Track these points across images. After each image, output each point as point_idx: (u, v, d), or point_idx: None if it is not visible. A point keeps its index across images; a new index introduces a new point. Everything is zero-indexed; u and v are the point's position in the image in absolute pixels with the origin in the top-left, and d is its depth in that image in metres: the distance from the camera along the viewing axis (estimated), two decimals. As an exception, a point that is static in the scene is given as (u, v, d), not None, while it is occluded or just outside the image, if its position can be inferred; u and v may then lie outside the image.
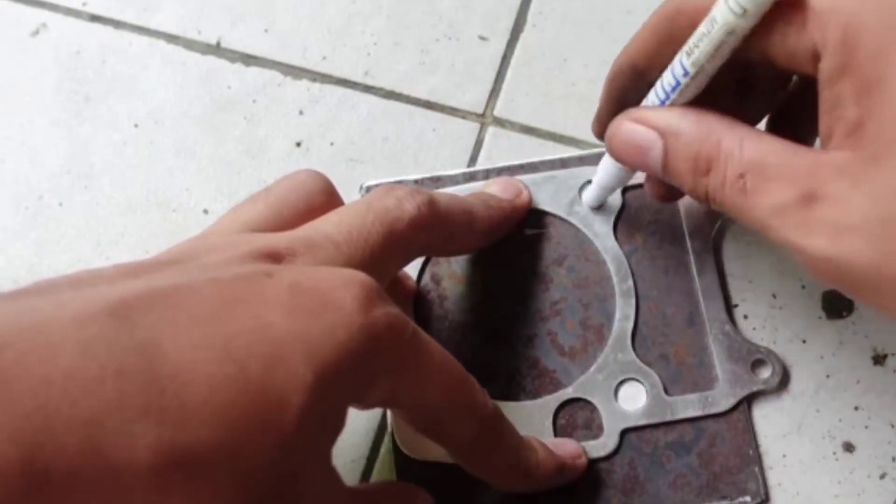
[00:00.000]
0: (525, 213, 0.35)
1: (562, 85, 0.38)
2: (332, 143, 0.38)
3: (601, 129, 0.31)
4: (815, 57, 0.25)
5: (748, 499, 0.33)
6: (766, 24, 0.25)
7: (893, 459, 0.34)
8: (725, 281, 0.35)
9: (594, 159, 0.36)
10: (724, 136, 0.26)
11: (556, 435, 0.33)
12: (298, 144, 0.38)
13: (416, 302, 0.35)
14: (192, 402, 0.21)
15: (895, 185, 0.23)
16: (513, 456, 0.29)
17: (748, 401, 0.34)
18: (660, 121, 0.28)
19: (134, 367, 0.21)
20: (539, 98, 0.38)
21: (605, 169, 0.33)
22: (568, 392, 0.34)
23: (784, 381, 0.34)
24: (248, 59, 0.39)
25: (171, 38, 0.39)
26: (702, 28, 0.26)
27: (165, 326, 0.22)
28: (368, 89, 0.39)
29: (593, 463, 0.33)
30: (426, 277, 0.35)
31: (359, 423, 0.34)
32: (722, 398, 0.34)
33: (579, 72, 0.39)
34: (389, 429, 0.33)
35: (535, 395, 0.34)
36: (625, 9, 0.39)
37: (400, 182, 0.36)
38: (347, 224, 0.28)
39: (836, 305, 0.35)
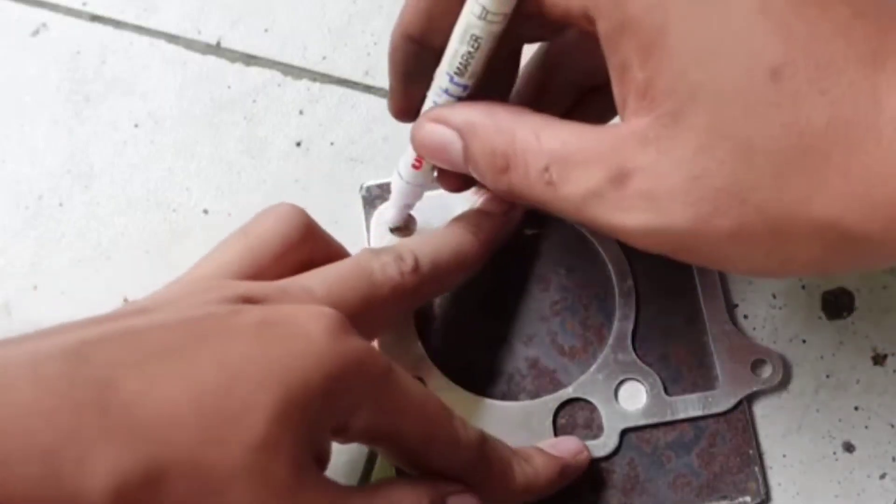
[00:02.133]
0: (521, 222, 0.35)
1: (562, 85, 0.38)
2: (332, 143, 0.38)
3: (396, 107, 0.30)
4: (591, 20, 0.24)
5: (748, 499, 0.33)
6: None
7: (893, 459, 0.34)
8: (725, 281, 0.35)
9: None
10: (517, 129, 0.25)
11: (556, 435, 0.33)
12: (298, 144, 0.38)
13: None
14: (149, 423, 0.21)
15: (697, 141, 0.22)
16: (507, 474, 0.29)
17: (748, 400, 0.34)
18: (456, 118, 0.27)
19: (89, 398, 0.21)
20: (539, 98, 0.38)
21: (398, 189, 0.32)
22: (568, 392, 0.34)
23: (784, 380, 0.34)
24: (248, 59, 0.39)
25: (172, 38, 0.39)
26: (462, 47, 0.25)
27: (122, 361, 0.22)
28: (368, 89, 0.39)
29: (593, 463, 0.33)
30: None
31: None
32: (722, 398, 0.34)
33: (579, 72, 0.39)
34: (389, 429, 0.33)
35: (535, 395, 0.34)
36: (625, 9, 0.39)
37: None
38: (329, 280, 0.28)
39: (836, 305, 0.35)
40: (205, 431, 0.22)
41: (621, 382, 0.34)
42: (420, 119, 0.28)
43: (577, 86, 0.31)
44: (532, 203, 0.26)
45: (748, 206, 0.22)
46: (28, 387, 0.21)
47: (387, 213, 0.34)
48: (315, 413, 0.24)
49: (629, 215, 0.23)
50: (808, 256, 0.22)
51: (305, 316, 0.25)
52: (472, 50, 0.25)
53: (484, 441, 0.29)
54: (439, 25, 0.26)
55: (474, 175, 0.27)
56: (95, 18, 0.40)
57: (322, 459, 0.26)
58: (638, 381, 0.34)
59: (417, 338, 0.34)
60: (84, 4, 0.40)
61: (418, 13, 0.27)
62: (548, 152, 0.25)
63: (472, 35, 0.25)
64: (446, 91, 0.27)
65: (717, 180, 0.22)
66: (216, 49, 0.39)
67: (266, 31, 0.39)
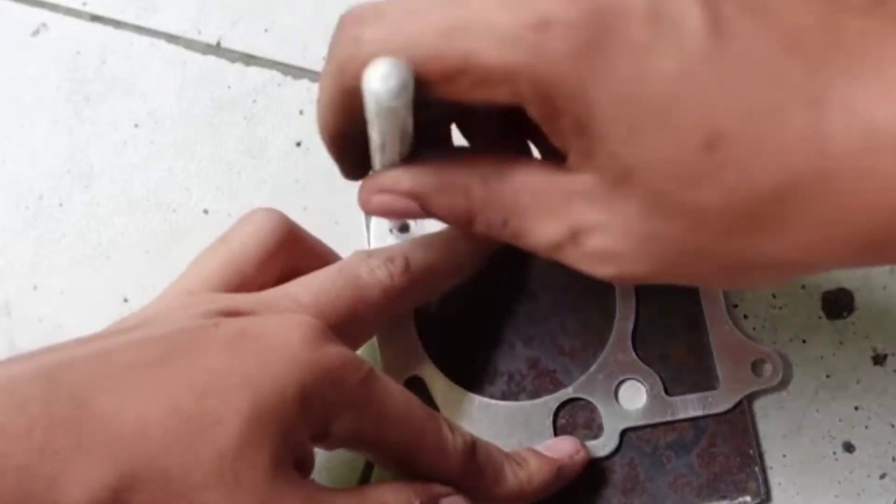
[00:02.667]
0: None
1: (562, 85, 0.38)
2: (332, 143, 0.38)
3: (348, 177, 0.28)
4: (516, 104, 0.23)
5: (748, 498, 0.33)
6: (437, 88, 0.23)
7: (893, 459, 0.34)
8: (725, 281, 0.35)
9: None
10: (470, 185, 0.25)
11: (556, 435, 0.33)
12: (298, 144, 0.38)
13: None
14: (120, 437, 0.22)
15: (643, 206, 0.22)
16: (499, 479, 0.29)
17: (748, 400, 0.34)
18: (404, 185, 0.26)
19: (62, 417, 0.22)
20: (539, 98, 0.38)
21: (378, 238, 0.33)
22: (568, 392, 0.34)
23: (784, 380, 0.34)
24: (248, 59, 0.39)
25: (172, 38, 0.39)
26: (377, 138, 0.25)
27: (94, 380, 0.23)
28: (368, 89, 0.39)
29: (593, 463, 0.33)
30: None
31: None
32: (722, 398, 0.34)
33: (579, 72, 0.38)
34: (389, 429, 0.33)
35: (535, 395, 0.34)
36: (625, 9, 0.39)
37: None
38: (316, 288, 0.28)
39: (836, 305, 0.35)
40: (176, 441, 0.23)
41: (621, 382, 0.34)
42: (365, 190, 0.27)
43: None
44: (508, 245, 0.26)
45: (705, 258, 0.23)
46: (2, 409, 0.22)
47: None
48: (290, 420, 0.24)
49: (594, 267, 0.24)
50: (771, 281, 0.23)
51: (282, 326, 0.25)
52: (383, 138, 0.24)
53: (474, 446, 0.29)
54: (355, 118, 0.25)
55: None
56: (95, 18, 0.40)
57: (305, 465, 0.26)
58: (638, 381, 0.34)
59: (417, 338, 0.34)
60: (84, 4, 0.40)
61: (339, 116, 0.25)
62: (503, 206, 0.25)
63: (379, 130, 0.24)
64: (383, 157, 0.26)
65: (670, 241, 0.23)
66: (216, 49, 0.39)
67: (266, 31, 0.39)
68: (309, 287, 0.28)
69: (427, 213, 0.26)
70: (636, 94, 0.21)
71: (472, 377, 0.34)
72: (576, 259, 0.24)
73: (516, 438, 0.33)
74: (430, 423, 0.28)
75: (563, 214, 0.24)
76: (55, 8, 0.40)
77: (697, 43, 0.21)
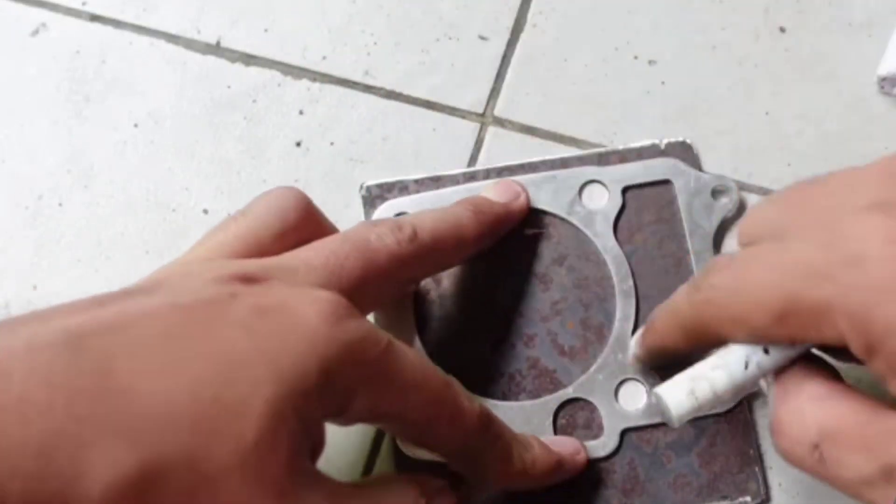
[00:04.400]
0: (521, 216, 0.35)
1: (562, 85, 0.38)
2: (332, 143, 0.38)
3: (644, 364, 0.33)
4: (840, 343, 0.24)
5: (748, 499, 0.33)
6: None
7: (894, 459, 0.34)
8: (725, 281, 0.35)
9: (594, 159, 0.36)
10: (791, 399, 0.26)
11: (556, 434, 0.33)
12: (298, 144, 0.38)
13: (416, 302, 0.35)
14: (145, 418, 0.21)
15: None
16: (507, 455, 0.29)
17: (748, 401, 0.34)
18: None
19: (85, 389, 0.21)
20: (539, 98, 0.38)
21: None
22: (568, 392, 0.34)
23: (784, 381, 0.34)
24: (248, 59, 0.39)
25: (171, 38, 0.39)
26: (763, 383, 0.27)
27: (118, 351, 0.22)
28: (368, 89, 0.39)
29: (593, 463, 0.33)
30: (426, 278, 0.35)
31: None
32: (722, 398, 0.34)
33: (579, 72, 0.39)
34: (389, 429, 0.33)
35: (535, 395, 0.34)
36: (625, 9, 0.39)
37: (400, 182, 0.36)
38: (326, 251, 0.28)
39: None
40: (200, 426, 0.22)
41: (621, 382, 0.34)
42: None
43: None
44: (812, 474, 0.26)
45: None
46: (23, 377, 0.21)
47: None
48: (312, 404, 0.24)
49: None
50: None
51: (304, 300, 0.25)
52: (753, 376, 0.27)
53: (488, 415, 0.29)
54: (698, 349, 0.29)
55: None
56: (95, 18, 0.40)
57: (317, 448, 0.25)
58: (638, 381, 0.34)
59: (417, 337, 0.34)
60: (84, 4, 0.40)
61: (679, 343, 0.30)
62: (819, 427, 0.25)
63: (755, 372, 0.27)
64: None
65: None
66: (216, 49, 0.39)
67: (266, 31, 0.39)
68: (319, 251, 0.28)
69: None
70: None
71: (472, 377, 0.34)
72: (883, 496, 0.24)
73: (516, 438, 0.33)
74: (447, 392, 0.28)
75: (878, 451, 0.24)
76: (55, 8, 0.40)
77: None
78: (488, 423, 0.29)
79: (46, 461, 0.20)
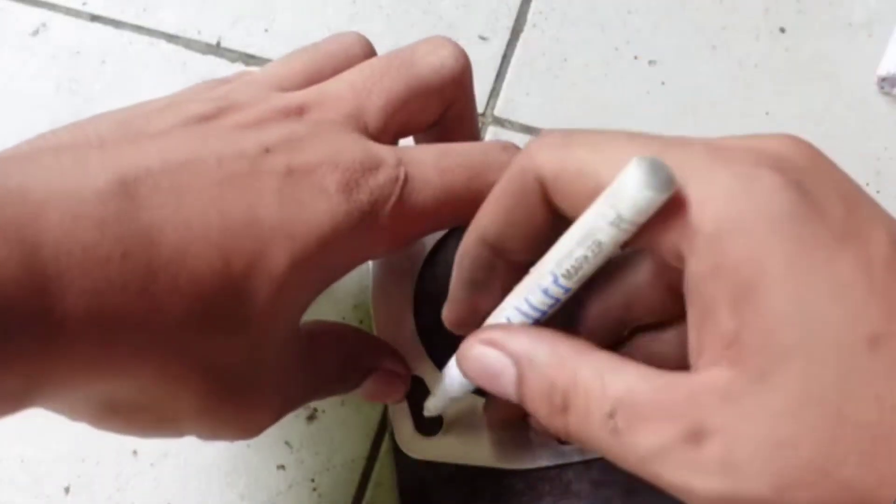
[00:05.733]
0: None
1: (562, 85, 0.38)
2: (332, 143, 0.38)
3: (455, 317, 0.28)
4: (680, 257, 0.22)
5: (748, 499, 0.33)
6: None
7: (894, 459, 0.34)
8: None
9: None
10: (580, 369, 0.23)
11: None
12: (298, 144, 0.38)
13: (417, 301, 0.35)
14: (178, 292, 0.23)
15: (785, 404, 0.20)
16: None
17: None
18: (514, 345, 0.24)
19: (138, 251, 0.23)
20: (539, 98, 0.38)
21: (452, 381, 0.29)
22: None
23: (784, 380, 0.34)
24: (248, 59, 0.39)
25: (171, 38, 0.39)
26: (578, 250, 0.23)
27: (170, 211, 0.23)
28: (368, 89, 0.39)
29: (594, 463, 0.33)
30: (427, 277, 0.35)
31: (359, 423, 0.34)
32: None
33: (579, 72, 0.39)
34: (389, 429, 0.33)
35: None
36: (625, 9, 0.39)
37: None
38: (370, 66, 0.28)
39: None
40: (217, 309, 0.24)
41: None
42: (471, 338, 0.25)
43: (621, 323, 0.28)
44: (587, 446, 0.24)
45: (831, 480, 0.20)
46: (91, 227, 0.22)
47: (433, 402, 0.31)
48: (323, 266, 0.26)
49: (700, 478, 0.21)
50: None
51: (327, 167, 0.26)
52: (589, 255, 0.23)
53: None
54: (522, 233, 0.25)
55: (526, 408, 0.24)
56: (95, 18, 0.40)
57: (321, 290, 0.27)
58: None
59: (418, 337, 0.34)
60: (84, 4, 0.40)
61: (499, 218, 0.25)
62: (613, 397, 0.22)
63: (596, 240, 0.22)
64: (545, 291, 0.24)
65: (803, 450, 0.20)
66: (216, 49, 0.39)
67: (266, 31, 0.39)
68: (362, 69, 0.28)
69: (519, 386, 0.24)
70: (817, 273, 0.20)
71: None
72: (679, 466, 0.21)
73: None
74: (470, 196, 0.27)
75: (682, 415, 0.21)
76: (55, 8, 0.40)
77: (883, 252, 0.21)
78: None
79: (95, 307, 0.22)
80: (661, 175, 0.21)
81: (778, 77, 0.38)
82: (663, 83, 0.38)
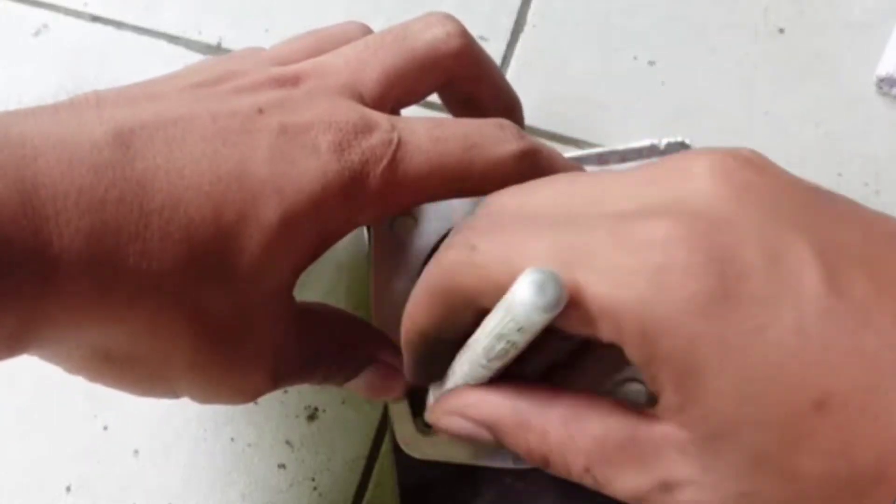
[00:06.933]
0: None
1: (562, 85, 0.38)
2: (332, 143, 0.38)
3: (415, 383, 0.28)
4: (616, 344, 0.22)
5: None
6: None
7: (893, 459, 0.34)
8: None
9: (594, 159, 0.36)
10: (547, 425, 0.24)
11: None
12: (299, 144, 0.38)
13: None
14: (170, 238, 0.23)
15: (741, 464, 0.21)
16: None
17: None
18: (479, 414, 0.25)
19: (131, 196, 0.23)
20: (539, 98, 0.38)
21: (454, 382, 0.28)
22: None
23: (784, 380, 0.34)
24: (249, 60, 0.39)
25: (172, 39, 0.39)
26: (498, 344, 0.23)
27: (163, 160, 0.24)
28: (369, 89, 0.39)
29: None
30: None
31: (359, 423, 0.34)
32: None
33: (579, 72, 0.39)
34: (390, 428, 0.33)
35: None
36: (624, 9, 0.39)
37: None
38: (364, 41, 0.29)
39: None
40: (206, 264, 0.24)
41: (621, 382, 0.34)
42: (438, 409, 0.26)
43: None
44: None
45: None
46: (87, 172, 0.23)
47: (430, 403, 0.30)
48: (314, 227, 0.26)
49: None
50: None
51: (320, 126, 0.26)
52: (510, 348, 0.23)
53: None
54: (459, 323, 0.24)
55: None
56: (96, 19, 0.40)
57: (314, 255, 0.27)
58: (638, 381, 0.34)
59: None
60: (85, 5, 0.40)
61: (433, 317, 0.25)
62: (585, 452, 0.23)
63: (510, 340, 0.23)
64: (483, 367, 0.25)
65: (766, 500, 0.21)
66: (217, 49, 0.39)
67: (266, 31, 0.39)
68: (356, 43, 0.29)
69: (500, 443, 0.25)
70: (750, 348, 0.20)
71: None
72: None
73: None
74: (465, 146, 0.27)
75: (651, 467, 0.23)
76: (56, 8, 0.40)
77: (815, 300, 0.20)
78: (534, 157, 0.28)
79: (89, 248, 0.22)
80: (550, 294, 0.21)
81: (777, 77, 0.38)
82: (663, 83, 0.38)
